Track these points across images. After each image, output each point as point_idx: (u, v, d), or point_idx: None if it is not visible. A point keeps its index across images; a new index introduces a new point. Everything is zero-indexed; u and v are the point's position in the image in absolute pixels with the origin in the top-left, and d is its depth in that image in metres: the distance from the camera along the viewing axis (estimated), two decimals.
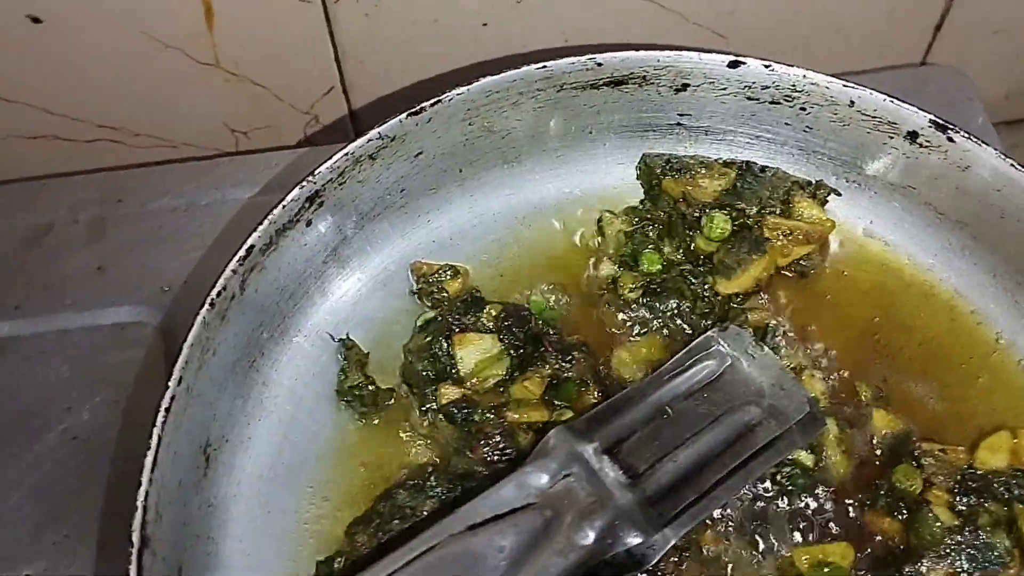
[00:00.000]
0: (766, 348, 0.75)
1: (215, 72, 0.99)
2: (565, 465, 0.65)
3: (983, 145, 0.76)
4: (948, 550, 0.67)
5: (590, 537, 0.61)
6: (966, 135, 0.76)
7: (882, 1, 1.03)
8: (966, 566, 0.67)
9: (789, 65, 0.78)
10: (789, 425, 0.71)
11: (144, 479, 0.63)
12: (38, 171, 1.03)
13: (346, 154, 0.75)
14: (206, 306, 0.68)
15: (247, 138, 1.10)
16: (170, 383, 0.66)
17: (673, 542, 0.64)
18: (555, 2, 0.97)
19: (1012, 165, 0.75)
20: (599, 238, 0.85)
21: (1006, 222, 0.77)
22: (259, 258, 0.72)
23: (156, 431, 0.64)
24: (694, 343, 0.75)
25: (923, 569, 0.67)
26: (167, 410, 0.65)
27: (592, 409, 0.71)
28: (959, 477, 0.71)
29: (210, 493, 0.72)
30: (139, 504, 0.62)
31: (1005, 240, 0.78)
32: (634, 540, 0.62)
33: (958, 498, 0.70)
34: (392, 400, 0.78)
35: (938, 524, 0.69)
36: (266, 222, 0.72)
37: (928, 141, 0.78)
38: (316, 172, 0.74)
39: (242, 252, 0.71)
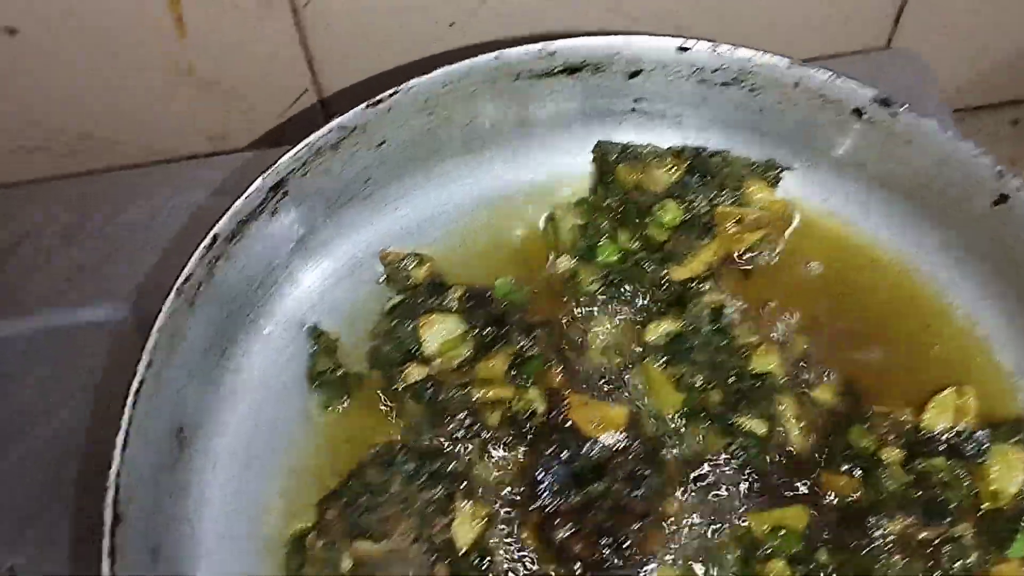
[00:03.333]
0: None
1: (189, 80, 1.02)
2: None
3: (923, 119, 0.78)
4: (904, 504, 0.69)
5: None
6: (908, 109, 0.79)
7: None
8: (922, 519, 0.69)
9: (735, 46, 0.81)
10: None
11: (115, 459, 0.65)
12: (15, 177, 1.05)
13: (307, 144, 0.77)
14: (173, 293, 0.71)
15: (224, 143, 1.12)
16: (139, 367, 0.68)
17: None
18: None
19: (952, 136, 0.77)
20: (553, 235, 0.87)
21: (951, 191, 0.79)
22: (225, 247, 0.74)
23: (127, 412, 0.66)
24: None
25: (881, 524, 0.69)
26: (136, 392, 0.67)
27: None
28: (909, 437, 0.73)
29: (185, 477, 0.74)
30: (111, 482, 0.64)
31: (950, 212, 0.81)
32: None
33: (910, 457, 0.72)
34: (361, 384, 0.80)
35: (892, 481, 0.71)
36: (230, 212, 0.74)
37: (872, 117, 0.80)
38: (278, 162, 0.76)
39: (207, 241, 0.73)
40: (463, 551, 0.71)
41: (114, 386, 0.88)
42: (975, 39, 1.16)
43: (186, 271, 0.71)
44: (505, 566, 0.72)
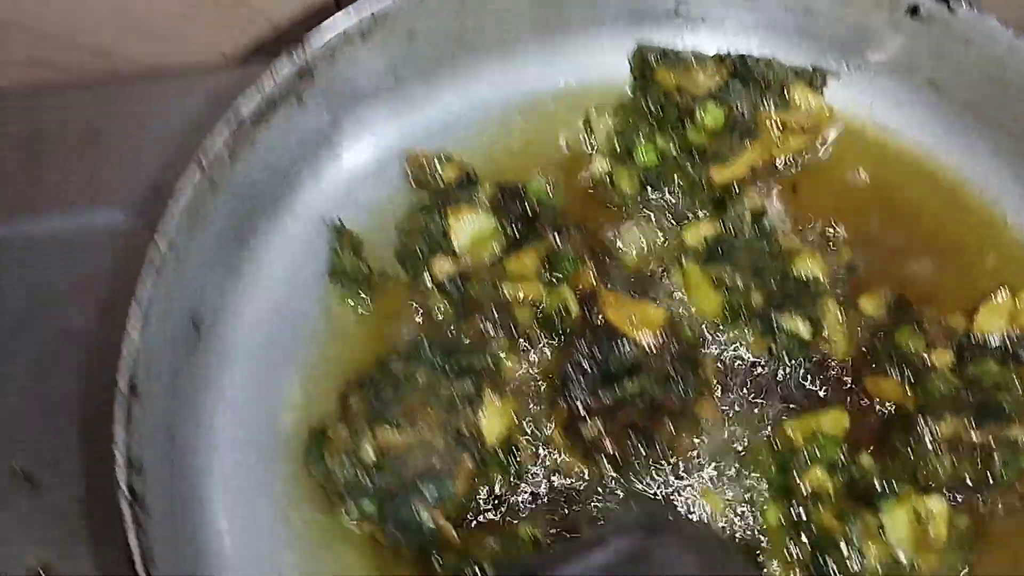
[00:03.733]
0: None
1: None
2: None
3: (985, 16, 0.74)
4: (956, 406, 0.66)
5: None
6: (967, 5, 0.75)
7: None
8: (973, 421, 0.65)
9: None
10: None
11: (131, 332, 0.63)
12: (30, 81, 1.03)
13: (337, 31, 0.74)
14: (194, 168, 0.68)
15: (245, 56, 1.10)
16: (157, 239, 0.65)
17: None
18: None
19: (1014, 33, 0.73)
20: (590, 136, 0.84)
21: (1008, 95, 0.75)
22: (249, 128, 0.71)
23: (142, 285, 0.64)
24: (621, 516, 0.68)
25: (932, 424, 0.66)
26: (153, 265, 0.64)
27: None
28: (959, 341, 0.69)
29: (202, 366, 0.72)
30: (125, 355, 0.62)
31: (1008, 115, 0.77)
32: None
33: (960, 362, 0.69)
34: (386, 281, 0.77)
35: (944, 381, 0.67)
36: (255, 91, 0.71)
37: (929, 14, 0.76)
38: (307, 46, 0.73)
39: (232, 119, 0.70)
40: (490, 445, 0.68)
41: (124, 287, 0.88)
42: None
43: (208, 147, 0.69)
44: (532, 462, 0.70)
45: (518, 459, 0.69)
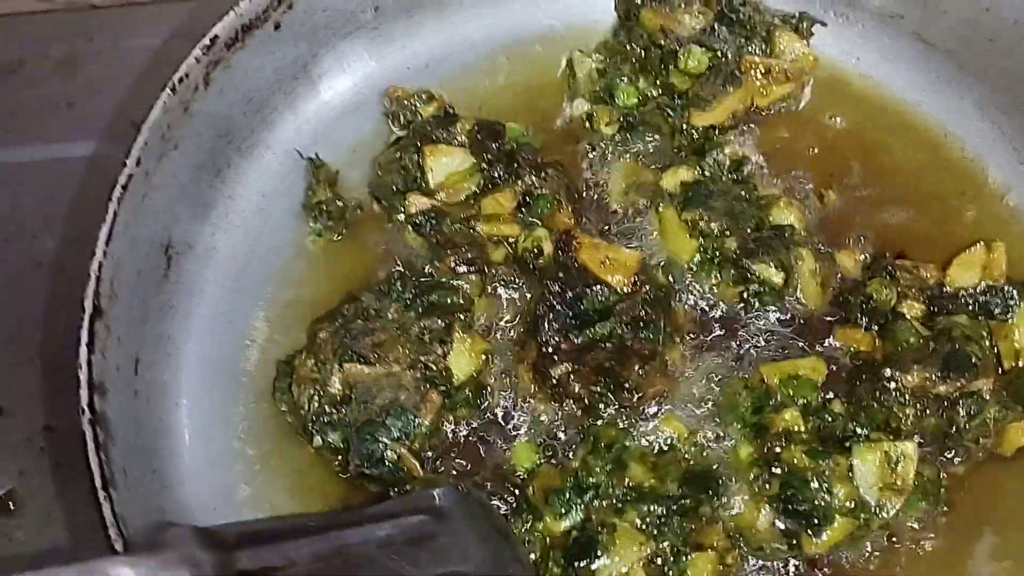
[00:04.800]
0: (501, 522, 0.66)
1: None
2: (170, 566, 0.49)
3: None
4: (923, 356, 0.66)
5: None
6: None
7: None
8: (940, 373, 0.65)
9: None
10: None
11: (98, 251, 0.62)
12: (8, 9, 1.01)
13: None
14: (167, 90, 0.67)
15: None
16: (127, 161, 0.64)
17: None
18: None
19: None
20: (570, 78, 0.83)
21: (994, 45, 0.75)
22: (224, 53, 0.70)
23: (112, 206, 0.63)
24: (418, 494, 0.65)
25: (899, 375, 0.66)
26: (124, 187, 0.64)
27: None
28: (931, 292, 0.69)
29: (171, 295, 0.71)
30: (92, 273, 0.61)
31: (992, 67, 0.76)
32: None
33: (932, 314, 0.69)
34: (359, 214, 0.76)
35: (913, 332, 0.67)
36: (232, 14, 0.70)
37: None
38: None
39: (206, 41, 0.69)
40: (458, 382, 0.68)
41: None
42: None
43: (182, 69, 0.67)
44: (500, 402, 0.69)
45: (487, 398, 0.69)
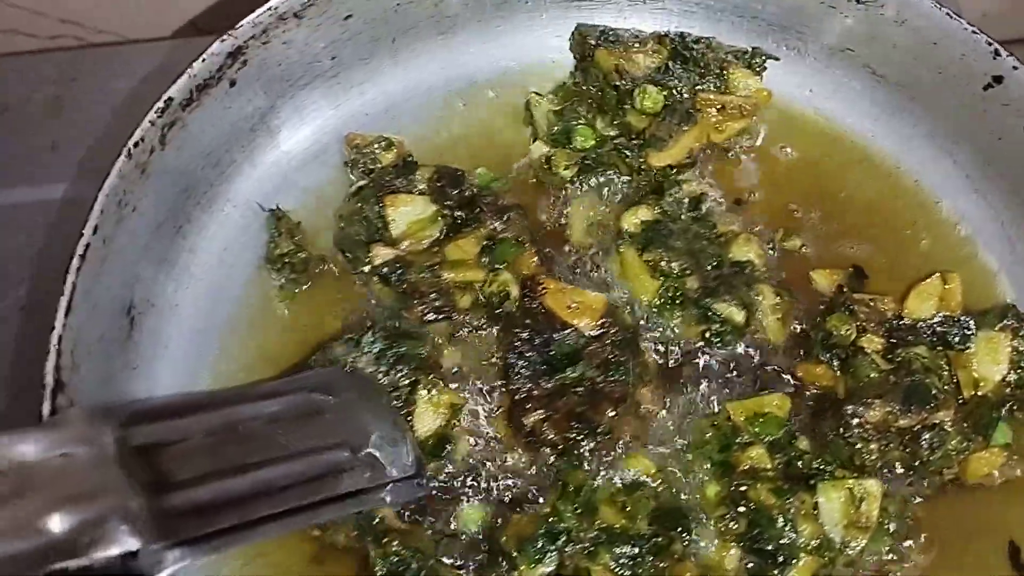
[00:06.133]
0: (391, 400, 0.68)
1: None
2: (68, 442, 0.51)
3: None
4: (884, 391, 0.67)
5: (56, 525, 0.50)
6: None
7: None
8: (901, 406, 0.66)
9: None
10: (385, 481, 0.64)
11: (58, 324, 0.61)
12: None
13: (269, 9, 0.72)
14: (122, 156, 0.66)
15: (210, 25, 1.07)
16: (85, 230, 0.63)
17: (184, 564, 0.53)
18: None
19: (947, 14, 0.74)
20: (530, 121, 0.83)
21: (943, 77, 0.76)
22: (179, 113, 0.70)
23: (71, 278, 0.62)
24: (306, 374, 0.68)
25: (860, 410, 0.67)
26: (82, 257, 0.63)
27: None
28: (890, 325, 0.71)
29: (135, 355, 0.70)
30: (52, 347, 0.60)
31: (942, 98, 0.78)
32: (127, 546, 0.51)
33: (892, 347, 0.70)
34: (323, 267, 0.76)
35: (873, 367, 0.68)
36: (185, 76, 0.69)
37: None
38: (238, 27, 0.72)
39: (160, 104, 0.68)
40: (423, 438, 0.68)
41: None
42: None
43: (137, 134, 0.67)
44: (469, 453, 0.70)
45: (453, 451, 0.69)
